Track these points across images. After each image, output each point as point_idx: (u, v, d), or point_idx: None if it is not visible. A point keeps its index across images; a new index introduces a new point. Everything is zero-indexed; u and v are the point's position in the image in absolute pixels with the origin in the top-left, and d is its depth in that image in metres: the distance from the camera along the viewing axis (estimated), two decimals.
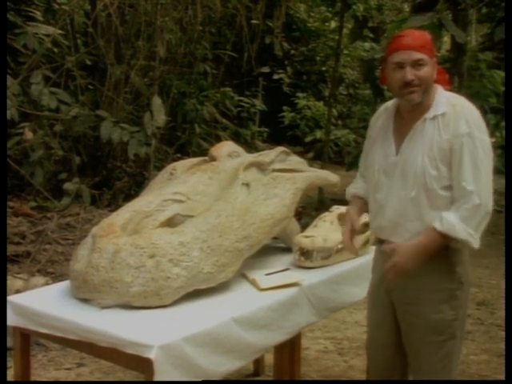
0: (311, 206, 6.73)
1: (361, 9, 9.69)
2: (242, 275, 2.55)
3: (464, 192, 2.15)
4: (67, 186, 5.96)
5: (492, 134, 7.83)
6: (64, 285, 2.50)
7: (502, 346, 3.62)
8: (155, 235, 2.32)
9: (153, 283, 2.21)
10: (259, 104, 9.97)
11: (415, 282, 2.30)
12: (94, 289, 2.25)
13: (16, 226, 5.21)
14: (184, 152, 7.91)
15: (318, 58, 12.55)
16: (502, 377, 2.99)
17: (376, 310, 2.49)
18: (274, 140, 9.92)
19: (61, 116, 6.16)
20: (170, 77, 7.68)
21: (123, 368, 3.12)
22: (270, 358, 3.10)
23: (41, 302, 2.33)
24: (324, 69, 12.49)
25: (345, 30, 9.50)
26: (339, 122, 12.02)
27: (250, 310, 2.28)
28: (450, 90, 2.35)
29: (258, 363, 3.43)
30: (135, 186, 6.71)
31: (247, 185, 2.66)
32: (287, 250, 2.94)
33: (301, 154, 7.31)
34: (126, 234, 2.38)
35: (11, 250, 4.72)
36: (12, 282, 3.95)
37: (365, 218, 2.75)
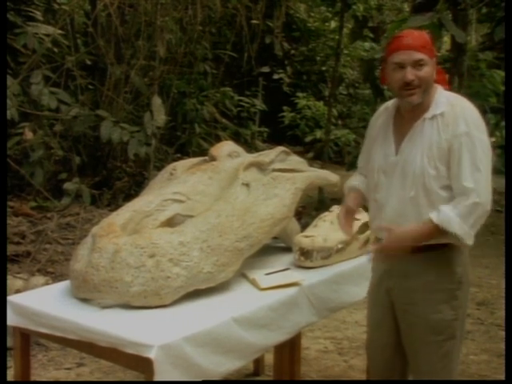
0: (311, 206, 6.73)
1: (361, 9, 9.69)
2: (242, 275, 2.55)
3: (464, 190, 2.15)
4: (67, 185, 5.97)
5: (492, 134, 7.83)
6: (64, 285, 2.50)
7: (502, 345, 3.62)
8: (155, 235, 2.32)
9: (153, 283, 2.21)
10: (259, 104, 9.97)
11: (415, 282, 2.30)
12: (94, 288, 2.25)
13: (16, 226, 5.22)
14: (184, 152, 7.91)
15: (318, 58, 12.55)
16: (502, 377, 2.99)
17: (376, 309, 2.49)
18: (273, 140, 9.92)
19: (61, 116, 6.16)
20: (170, 77, 7.68)
21: (123, 368, 3.12)
22: (269, 358, 3.10)
23: (41, 301, 2.33)
24: (324, 69, 12.49)
25: (345, 30, 9.50)
26: (339, 122, 12.02)
27: (250, 309, 2.28)
28: (450, 90, 2.35)
29: (258, 363, 3.44)
30: (135, 186, 6.72)
31: (247, 185, 2.66)
32: (287, 249, 2.94)
33: (301, 154, 7.30)
34: (126, 233, 2.38)
35: (11, 249, 4.72)
36: (12, 282, 3.95)
37: (365, 217, 2.76)
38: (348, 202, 2.50)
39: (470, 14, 6.85)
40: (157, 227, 2.41)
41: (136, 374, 3.05)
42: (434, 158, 2.20)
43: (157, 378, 1.90)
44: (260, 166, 2.79)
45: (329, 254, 2.79)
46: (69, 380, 3.40)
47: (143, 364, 1.94)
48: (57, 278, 4.38)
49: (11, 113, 5.36)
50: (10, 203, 5.64)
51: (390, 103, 2.44)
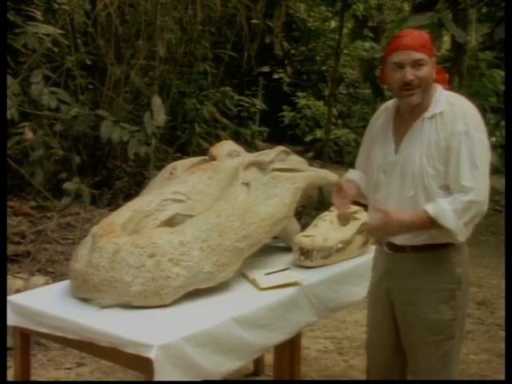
0: (311, 206, 6.73)
1: (361, 8, 9.67)
2: (242, 275, 2.55)
3: (462, 188, 2.14)
4: (67, 185, 5.96)
5: (492, 134, 7.82)
6: (64, 284, 2.50)
7: (502, 345, 3.61)
8: (155, 235, 2.32)
9: (153, 283, 2.21)
10: (259, 103, 9.97)
11: (414, 282, 2.30)
12: (93, 288, 2.25)
13: (16, 226, 5.22)
14: (184, 151, 7.91)
15: (318, 58, 12.54)
16: (502, 377, 2.99)
17: (375, 309, 2.49)
18: (274, 139, 9.91)
19: (61, 116, 6.16)
20: (170, 76, 7.68)
21: (123, 368, 3.12)
22: (269, 358, 3.10)
23: (41, 301, 2.33)
24: (324, 68, 12.48)
25: (345, 30, 9.50)
26: (339, 122, 12.01)
27: (250, 309, 2.28)
28: (449, 90, 2.35)
29: (258, 363, 3.44)
30: (135, 186, 6.72)
31: (247, 184, 2.66)
32: (287, 249, 2.94)
33: (301, 154, 7.29)
34: (125, 233, 2.38)
35: (11, 249, 4.72)
36: (12, 282, 3.95)
37: (365, 217, 2.75)
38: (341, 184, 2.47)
39: (469, 14, 6.84)
40: (157, 227, 2.41)
41: (136, 374, 3.05)
42: (433, 157, 2.20)
43: (157, 378, 1.90)
44: (260, 166, 2.79)
45: (329, 254, 2.79)
46: (69, 380, 3.40)
47: (143, 364, 1.94)
48: (57, 277, 4.38)
49: (11, 112, 5.36)
50: (9, 203, 5.64)
51: (390, 103, 2.43)
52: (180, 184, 2.65)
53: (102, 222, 2.52)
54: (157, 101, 6.44)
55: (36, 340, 3.58)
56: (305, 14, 12.69)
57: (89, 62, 7.15)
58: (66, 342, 2.26)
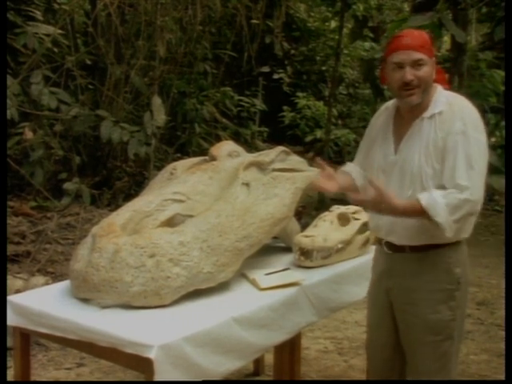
0: (311, 206, 6.72)
1: (361, 8, 9.68)
2: (242, 275, 2.55)
3: (457, 187, 2.12)
4: (67, 185, 5.96)
5: (492, 134, 7.82)
6: (64, 284, 2.50)
7: (502, 345, 3.62)
8: (155, 235, 2.32)
9: (153, 283, 2.21)
10: (259, 104, 9.96)
11: (413, 282, 2.30)
12: (93, 288, 2.25)
13: (16, 226, 5.22)
14: (184, 152, 7.91)
15: (317, 58, 12.53)
16: (502, 377, 2.99)
17: (375, 309, 2.49)
18: (274, 140, 9.90)
19: (61, 116, 6.16)
20: (170, 76, 7.68)
21: (123, 368, 3.13)
22: (270, 358, 3.10)
23: (41, 301, 2.33)
24: (324, 68, 12.48)
25: (345, 30, 9.50)
26: (339, 122, 12.01)
27: (250, 309, 2.28)
28: (449, 90, 2.35)
29: (258, 363, 3.44)
30: (135, 186, 6.71)
31: (247, 184, 2.66)
32: (287, 249, 2.94)
33: (301, 154, 7.27)
34: (125, 233, 2.38)
35: (11, 249, 4.72)
36: (12, 282, 3.95)
37: (365, 217, 2.75)
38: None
39: (470, 14, 6.84)
40: (157, 227, 2.41)
41: (136, 374, 3.05)
42: (431, 156, 2.19)
43: (157, 378, 1.90)
44: (260, 166, 2.79)
45: (329, 254, 2.79)
46: (69, 380, 3.40)
47: (143, 364, 1.94)
48: (57, 277, 4.38)
49: (11, 113, 5.36)
50: (10, 203, 5.64)
51: (391, 103, 2.44)
52: (180, 184, 2.65)
53: (102, 222, 2.52)
54: (157, 101, 6.44)
55: (36, 340, 3.58)
56: (305, 14, 12.69)
57: (89, 62, 7.15)
58: (65, 342, 2.26)
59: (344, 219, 2.97)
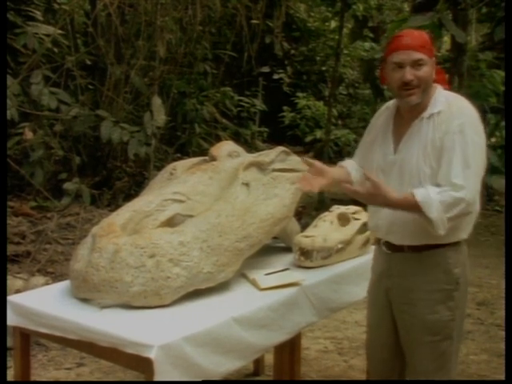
0: (311, 206, 6.72)
1: (361, 8, 9.69)
2: (242, 275, 2.55)
3: (453, 185, 2.12)
4: (67, 185, 5.97)
5: (492, 134, 7.82)
6: (64, 285, 2.50)
7: (502, 345, 3.61)
8: (155, 235, 2.32)
9: (153, 283, 2.21)
10: (259, 104, 9.97)
11: (412, 282, 2.30)
12: (93, 288, 2.25)
13: (16, 226, 5.22)
14: (184, 152, 7.91)
15: (318, 58, 12.55)
16: (502, 377, 2.99)
17: (375, 309, 2.49)
18: (273, 140, 9.91)
19: (61, 116, 6.16)
20: (170, 77, 7.68)
21: (123, 368, 3.12)
22: (270, 358, 3.10)
23: (41, 301, 2.33)
24: (324, 69, 12.49)
25: (345, 30, 9.50)
26: (339, 122, 12.02)
27: (250, 309, 2.28)
28: (449, 90, 2.35)
29: (258, 363, 3.43)
30: (135, 186, 6.72)
31: (247, 185, 2.66)
32: (287, 249, 2.94)
33: (301, 154, 7.29)
34: (125, 233, 2.38)
35: (11, 249, 4.72)
36: (12, 282, 3.95)
37: (365, 217, 2.75)
38: None
39: (470, 14, 6.84)
40: (157, 227, 2.41)
41: (136, 374, 3.05)
42: (430, 156, 2.19)
43: (157, 378, 1.90)
44: (260, 166, 2.79)
45: (329, 254, 2.79)
46: (69, 380, 3.40)
47: (143, 364, 1.94)
48: (57, 277, 4.38)
49: (11, 113, 5.36)
50: (10, 203, 5.64)
51: (391, 103, 2.44)
52: (180, 184, 2.65)
53: (102, 222, 2.52)
54: (157, 101, 6.44)
55: (36, 340, 3.58)
56: (305, 14, 12.70)
57: (89, 62, 7.15)
58: (65, 342, 2.26)
59: (344, 219, 2.97)
